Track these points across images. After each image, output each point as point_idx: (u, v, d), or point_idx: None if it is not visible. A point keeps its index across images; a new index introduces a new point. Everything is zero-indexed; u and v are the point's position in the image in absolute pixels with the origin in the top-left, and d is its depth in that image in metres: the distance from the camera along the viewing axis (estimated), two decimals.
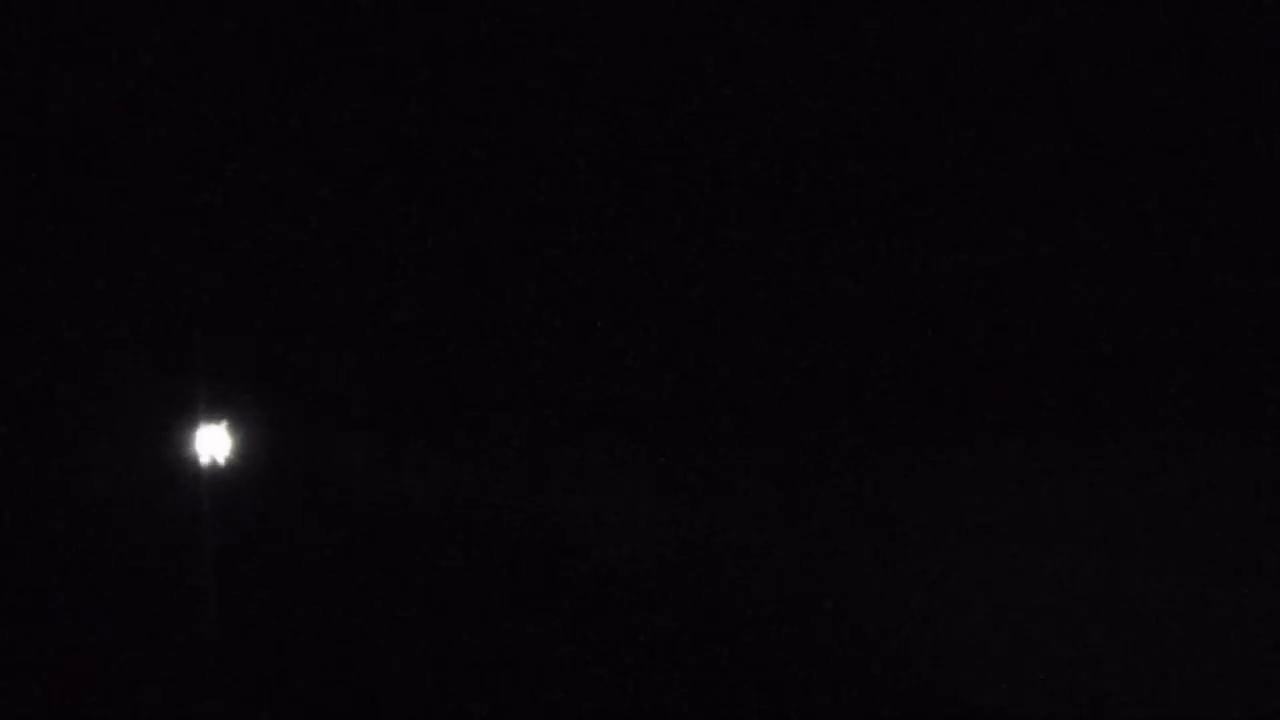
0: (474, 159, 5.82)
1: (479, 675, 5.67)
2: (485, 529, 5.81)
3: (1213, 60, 5.55)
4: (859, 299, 5.78)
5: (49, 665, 5.41)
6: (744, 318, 5.87)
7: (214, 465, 5.71)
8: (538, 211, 5.87)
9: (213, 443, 5.74)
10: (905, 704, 5.54)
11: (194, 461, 5.74)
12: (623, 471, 5.84)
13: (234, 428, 5.73)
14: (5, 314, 5.57)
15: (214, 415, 5.71)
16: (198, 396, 5.65)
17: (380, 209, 5.84)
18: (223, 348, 5.74)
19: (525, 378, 5.87)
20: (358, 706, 5.65)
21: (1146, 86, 5.59)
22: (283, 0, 5.63)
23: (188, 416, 5.69)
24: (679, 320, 5.88)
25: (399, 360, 5.88)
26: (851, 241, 5.78)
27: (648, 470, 5.84)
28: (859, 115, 5.78)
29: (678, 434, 5.87)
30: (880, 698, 5.55)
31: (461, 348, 5.89)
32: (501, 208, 5.88)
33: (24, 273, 5.59)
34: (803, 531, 5.73)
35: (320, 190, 5.79)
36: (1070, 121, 5.67)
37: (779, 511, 5.77)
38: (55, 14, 5.48)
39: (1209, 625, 5.33)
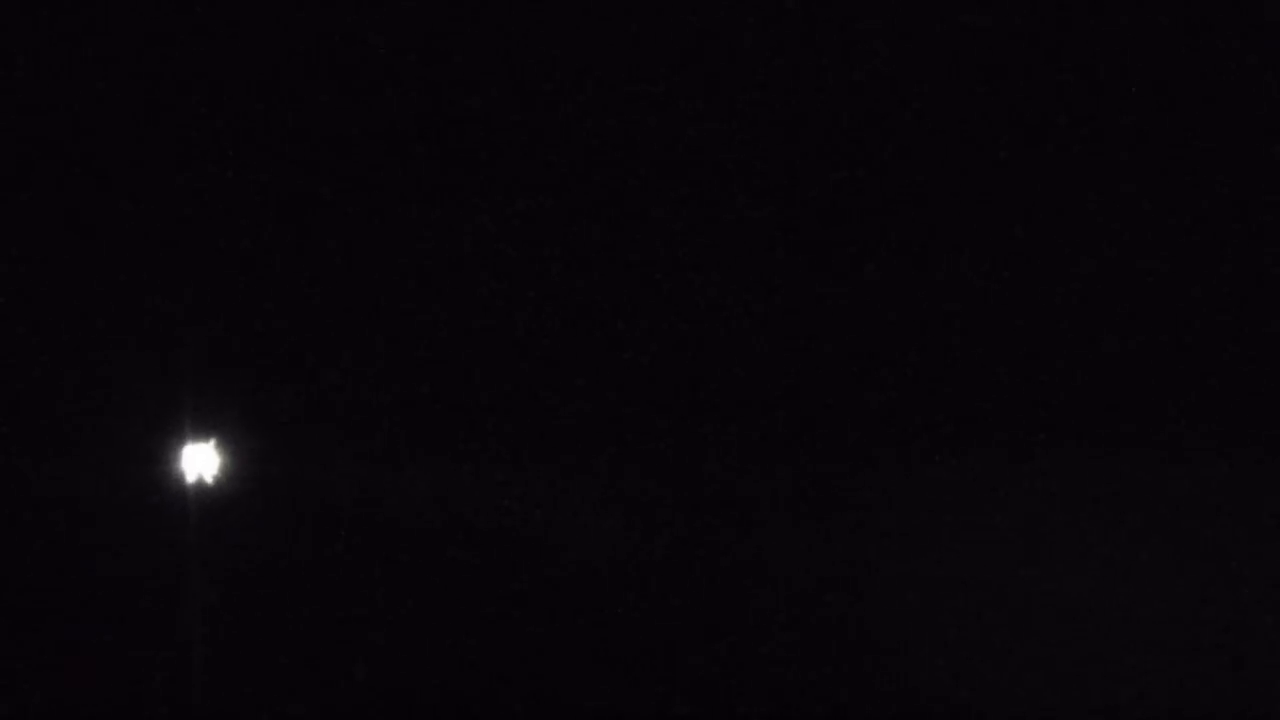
0: (468, 174, 5.79)
1: (469, 685, 5.61)
2: (474, 540, 5.75)
3: (1213, 61, 5.51)
4: (858, 302, 5.74)
5: (40, 681, 5.35)
6: (740, 323, 5.82)
7: (201, 484, 5.63)
8: (526, 222, 5.82)
9: (200, 461, 5.65)
10: (903, 704, 5.50)
11: (181, 480, 5.65)
12: (613, 477, 5.80)
13: (222, 446, 5.64)
14: None
15: (201, 434, 5.63)
16: (185, 415, 5.56)
17: (367, 226, 5.79)
18: (210, 367, 5.66)
19: (515, 386, 5.82)
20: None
21: (1146, 89, 5.56)
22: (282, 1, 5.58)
23: (175, 435, 5.61)
24: (670, 326, 5.84)
25: (385, 376, 5.81)
26: (854, 245, 5.74)
27: (639, 476, 5.80)
28: (855, 121, 5.74)
29: (672, 439, 5.83)
30: (877, 698, 5.50)
31: (448, 358, 5.83)
32: (491, 221, 5.83)
33: (8, 291, 5.53)
34: (799, 534, 5.68)
35: (309, 207, 5.74)
36: (1068, 126, 5.64)
37: (775, 514, 5.73)
38: (56, 14, 5.42)
39: (1209, 626, 5.30)
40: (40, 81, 5.52)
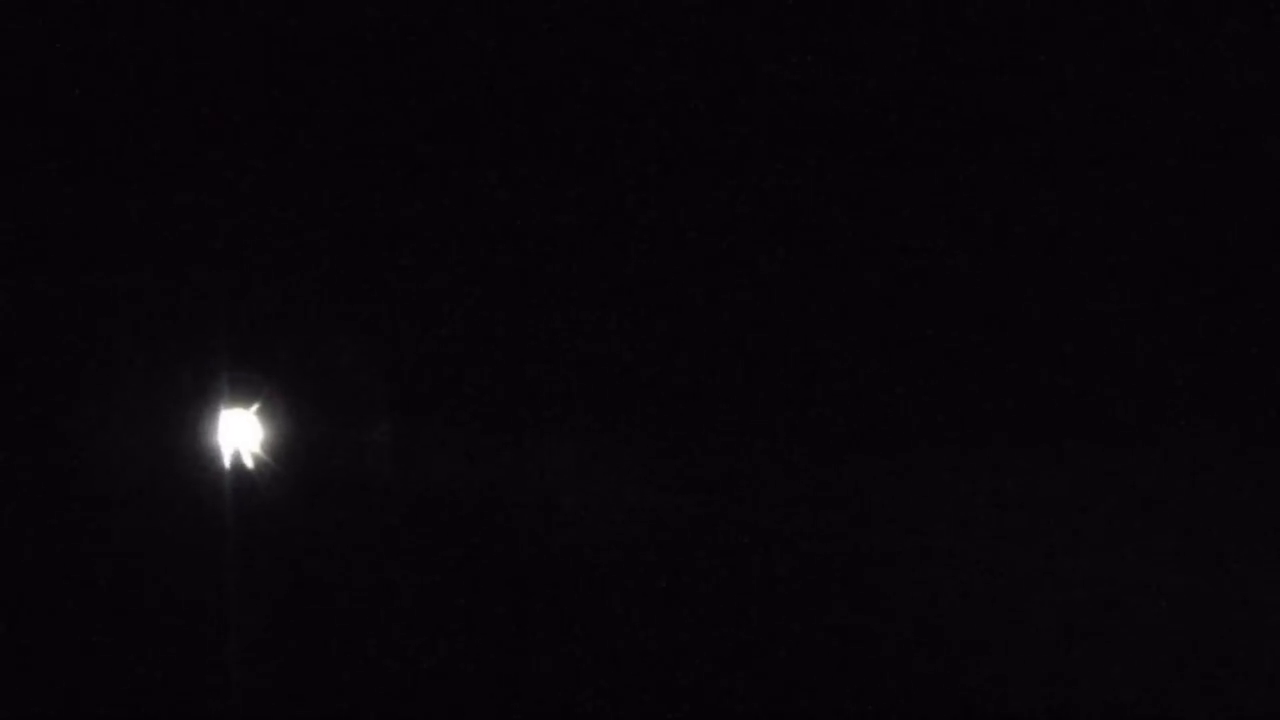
0: (496, 155, 5.57)
1: (509, 676, 5.30)
2: (521, 524, 5.44)
3: (1213, 60, 5.80)
4: (860, 293, 5.76)
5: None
6: (747, 311, 5.76)
7: (239, 458, 5.05)
8: (553, 206, 5.64)
9: (238, 431, 5.07)
10: (901, 702, 5.47)
11: (216, 453, 5.07)
12: (642, 465, 5.61)
13: (264, 414, 5.06)
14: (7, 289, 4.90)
15: (240, 400, 5.06)
16: (221, 379, 4.99)
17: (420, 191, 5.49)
18: (251, 324, 5.12)
19: (566, 361, 5.57)
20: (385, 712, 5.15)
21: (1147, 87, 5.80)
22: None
23: (210, 402, 5.02)
24: (690, 312, 5.73)
25: (437, 347, 5.45)
26: (857, 235, 5.77)
27: (674, 465, 5.62)
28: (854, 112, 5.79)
29: (698, 428, 5.68)
30: (876, 696, 5.45)
31: (499, 329, 5.54)
32: (519, 204, 5.62)
33: (33, 247, 4.95)
34: (801, 528, 5.61)
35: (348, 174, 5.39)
36: (1067, 121, 5.83)
37: (777, 507, 5.64)
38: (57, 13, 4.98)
39: (1208, 625, 5.46)
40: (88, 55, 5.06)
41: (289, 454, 5.09)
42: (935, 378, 5.73)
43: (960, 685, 5.47)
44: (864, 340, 5.73)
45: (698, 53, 5.67)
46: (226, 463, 5.06)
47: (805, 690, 5.49)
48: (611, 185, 5.65)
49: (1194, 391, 5.70)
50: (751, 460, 5.67)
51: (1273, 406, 5.61)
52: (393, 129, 5.49)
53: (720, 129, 5.71)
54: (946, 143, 5.76)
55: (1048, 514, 5.62)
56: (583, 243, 5.63)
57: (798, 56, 5.67)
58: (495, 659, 5.39)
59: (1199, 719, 5.31)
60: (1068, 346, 5.75)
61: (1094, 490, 5.61)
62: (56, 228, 5.02)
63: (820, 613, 5.56)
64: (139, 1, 5.08)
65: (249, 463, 5.06)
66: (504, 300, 5.58)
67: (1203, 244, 5.74)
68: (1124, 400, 5.73)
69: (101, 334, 5.00)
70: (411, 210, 5.47)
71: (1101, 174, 5.77)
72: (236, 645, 5.00)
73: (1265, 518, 5.48)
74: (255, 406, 5.08)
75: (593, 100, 5.61)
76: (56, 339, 4.96)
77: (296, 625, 5.17)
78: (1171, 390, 5.70)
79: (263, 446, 5.07)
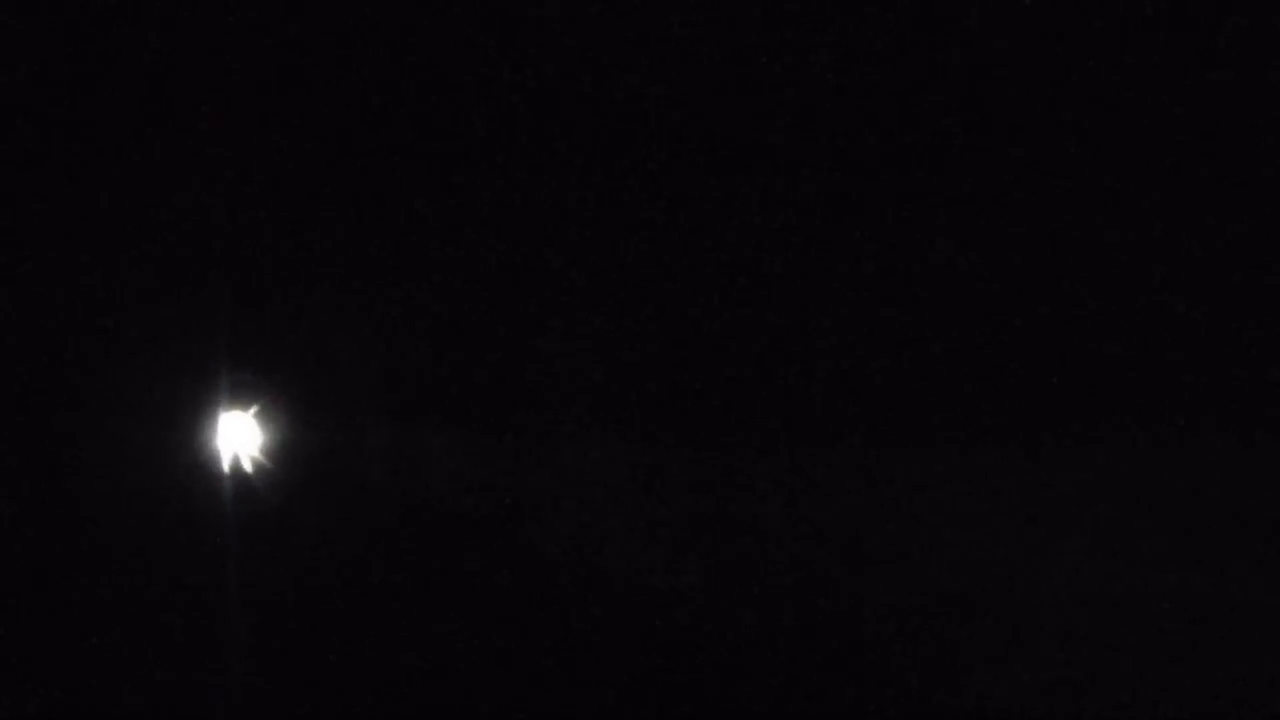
0: (500, 155, 5.55)
1: (510, 681, 5.28)
2: (522, 527, 5.41)
3: (1213, 60, 5.80)
4: (862, 293, 5.75)
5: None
6: (745, 312, 5.74)
7: (238, 461, 5.02)
8: (551, 205, 5.63)
9: (238, 434, 5.03)
10: (902, 703, 5.45)
11: (215, 456, 5.03)
12: (642, 467, 5.59)
13: (264, 416, 5.03)
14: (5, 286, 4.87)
15: (240, 401, 5.02)
16: (221, 380, 4.95)
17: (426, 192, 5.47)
18: (251, 326, 5.09)
19: (566, 365, 5.55)
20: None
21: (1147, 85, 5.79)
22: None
23: (209, 403, 4.99)
24: (689, 315, 5.71)
25: (437, 350, 5.42)
26: (859, 232, 5.76)
27: (676, 467, 5.60)
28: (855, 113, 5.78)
29: (699, 431, 5.66)
30: (879, 697, 5.44)
31: (504, 334, 5.51)
32: (519, 207, 5.61)
33: (33, 247, 4.92)
34: (802, 529, 5.60)
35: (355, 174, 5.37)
36: (1066, 119, 5.82)
37: (777, 508, 5.62)
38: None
39: (1209, 625, 5.45)
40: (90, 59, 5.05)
41: (288, 457, 5.06)
42: (935, 378, 5.72)
43: (960, 685, 5.46)
44: (864, 341, 5.72)
45: (697, 53, 5.67)
46: (225, 466, 5.03)
47: (806, 690, 5.48)
48: (611, 187, 5.63)
49: (1194, 391, 5.69)
50: (751, 462, 5.65)
51: (1273, 406, 5.60)
52: (395, 131, 5.47)
53: (720, 130, 5.69)
54: (948, 143, 5.76)
55: (1048, 514, 5.61)
56: (583, 245, 5.61)
57: (797, 57, 5.67)
58: (495, 662, 5.38)
59: (1199, 719, 5.31)
60: (1067, 347, 5.75)
61: (1094, 490, 5.60)
62: (56, 228, 5.00)
63: (820, 613, 5.55)
64: (139, 1, 5.07)
65: (248, 466, 5.04)
66: (505, 303, 5.56)
67: (1202, 244, 5.74)
68: (1124, 400, 5.73)
69: (101, 336, 4.97)
70: (413, 213, 5.45)
71: (1101, 174, 5.77)
72: (235, 648, 4.97)
73: (1265, 518, 5.48)
74: (254, 409, 5.05)
75: (594, 102, 5.58)
76: (56, 340, 4.93)
77: (295, 628, 5.14)
78: (1171, 390, 5.69)
79: (262, 450, 5.05)
